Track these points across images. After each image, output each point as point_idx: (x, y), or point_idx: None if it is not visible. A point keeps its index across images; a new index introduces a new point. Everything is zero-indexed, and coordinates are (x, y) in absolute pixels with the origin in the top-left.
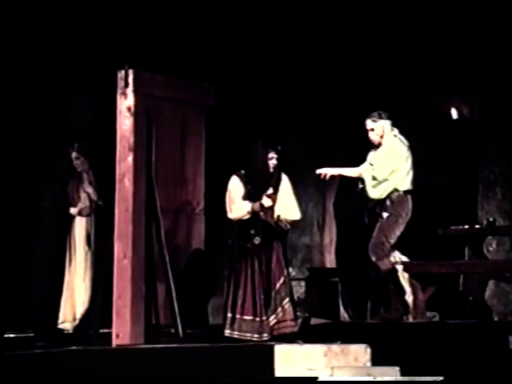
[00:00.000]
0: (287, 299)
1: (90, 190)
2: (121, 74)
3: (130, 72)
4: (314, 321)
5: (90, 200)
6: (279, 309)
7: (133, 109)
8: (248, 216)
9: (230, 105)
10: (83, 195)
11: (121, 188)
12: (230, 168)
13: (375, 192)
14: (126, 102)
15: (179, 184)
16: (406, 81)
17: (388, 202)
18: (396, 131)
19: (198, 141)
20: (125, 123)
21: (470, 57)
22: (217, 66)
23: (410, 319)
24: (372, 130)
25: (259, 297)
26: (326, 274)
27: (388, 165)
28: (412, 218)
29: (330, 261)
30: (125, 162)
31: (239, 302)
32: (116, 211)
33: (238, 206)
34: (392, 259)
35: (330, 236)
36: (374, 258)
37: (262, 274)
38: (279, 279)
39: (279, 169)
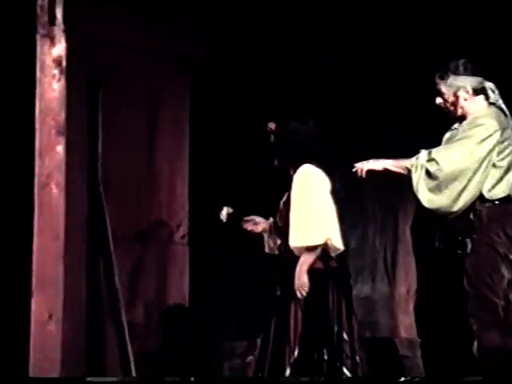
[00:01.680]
0: None
1: None
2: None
3: None
4: None
5: None
6: None
7: (64, 63)
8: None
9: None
10: None
11: (43, 200)
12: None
13: (439, 199)
14: (51, 52)
15: (146, 194)
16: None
17: (473, 219)
18: (494, 96)
19: (177, 121)
20: (51, 88)
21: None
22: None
23: None
24: (440, 93)
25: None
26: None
27: (461, 155)
28: None
29: (408, 326)
30: (50, 154)
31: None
32: (34, 241)
33: None
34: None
35: (408, 283)
36: (474, 327)
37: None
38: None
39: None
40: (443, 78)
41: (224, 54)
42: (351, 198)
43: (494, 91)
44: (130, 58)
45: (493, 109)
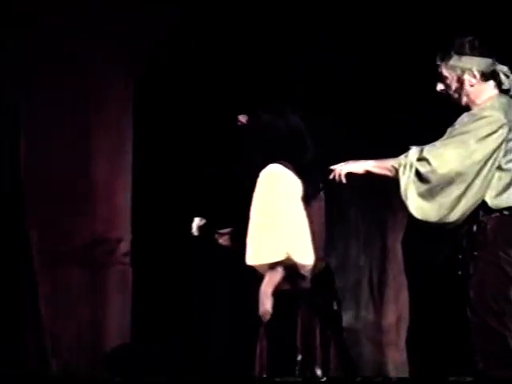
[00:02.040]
0: None
1: None
2: None
3: None
4: None
5: None
6: None
7: None
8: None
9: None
10: None
11: None
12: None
13: (431, 207)
14: None
15: (82, 204)
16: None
17: (476, 233)
18: (508, 82)
19: (118, 121)
20: None
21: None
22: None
23: None
24: (442, 78)
25: None
26: None
27: (458, 154)
28: None
29: (399, 364)
30: None
31: None
32: None
33: None
34: None
35: (398, 311)
36: (480, 364)
37: None
38: None
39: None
40: (445, 58)
41: (174, 46)
42: (331, 207)
43: (508, 76)
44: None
45: (503, 99)
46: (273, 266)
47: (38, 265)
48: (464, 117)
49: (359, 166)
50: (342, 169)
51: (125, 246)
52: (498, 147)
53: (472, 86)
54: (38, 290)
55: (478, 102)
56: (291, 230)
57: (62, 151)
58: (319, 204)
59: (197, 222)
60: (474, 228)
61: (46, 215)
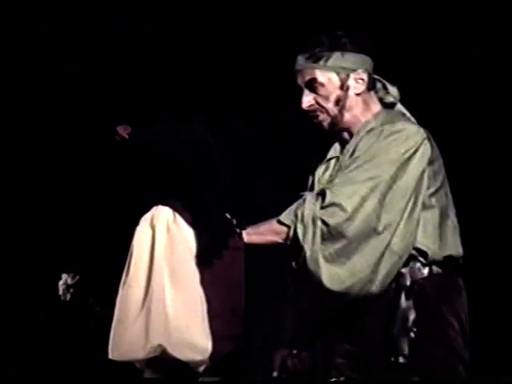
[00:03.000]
0: None
1: None
2: None
3: None
4: None
5: None
6: None
7: None
8: None
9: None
10: None
11: None
12: None
13: (348, 273)
14: None
15: None
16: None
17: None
18: (393, 93)
19: None
20: None
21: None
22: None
23: None
24: (315, 86)
25: None
26: None
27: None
28: None
29: None
30: None
31: None
32: None
33: None
34: None
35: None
36: None
37: None
38: None
39: None
40: (321, 57)
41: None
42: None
43: (386, 87)
44: None
45: (394, 114)
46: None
47: None
48: (362, 137)
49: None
50: None
51: None
52: (423, 172)
53: (358, 94)
54: None
55: (363, 120)
56: (172, 309)
57: None
58: (234, 255)
59: (64, 279)
60: (403, 297)
61: None
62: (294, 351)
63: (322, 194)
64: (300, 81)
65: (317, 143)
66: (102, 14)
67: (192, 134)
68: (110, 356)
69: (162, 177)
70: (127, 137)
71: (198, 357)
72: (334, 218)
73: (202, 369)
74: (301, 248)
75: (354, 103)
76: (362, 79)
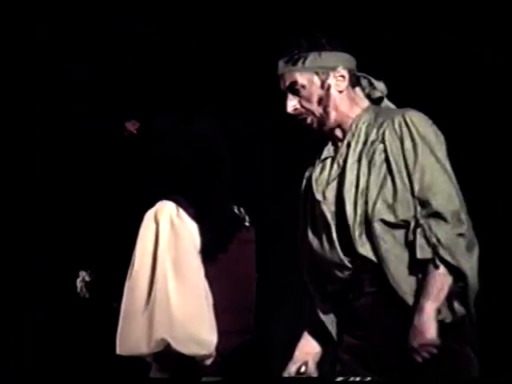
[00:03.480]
0: None
1: None
2: None
3: None
4: None
5: None
6: None
7: None
8: None
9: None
10: None
11: None
12: None
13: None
14: None
15: None
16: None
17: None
18: (380, 88)
19: None
20: None
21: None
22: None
23: None
24: (295, 90)
25: None
26: None
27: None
28: None
29: None
30: None
31: None
32: None
33: None
34: None
35: None
36: None
37: None
38: None
39: None
40: (297, 61)
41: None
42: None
43: (371, 83)
44: None
45: (385, 107)
46: (156, 357)
47: None
48: (360, 129)
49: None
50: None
51: None
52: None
53: (341, 91)
54: None
55: (353, 115)
56: (176, 303)
57: None
58: (242, 249)
59: (82, 276)
60: None
61: None
62: (302, 369)
63: (420, 198)
64: (282, 85)
65: (318, 142)
66: (101, 13)
67: (194, 132)
68: (118, 351)
69: (166, 171)
70: (135, 132)
71: (202, 351)
72: (460, 225)
73: (208, 362)
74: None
75: (339, 101)
76: (342, 76)
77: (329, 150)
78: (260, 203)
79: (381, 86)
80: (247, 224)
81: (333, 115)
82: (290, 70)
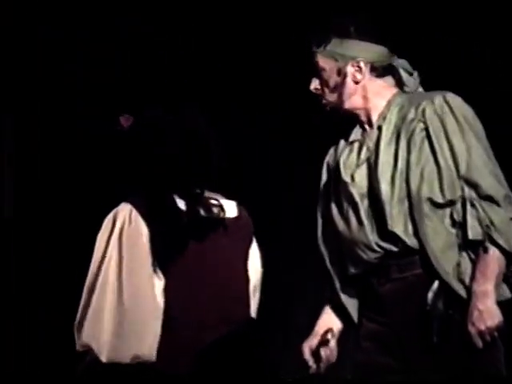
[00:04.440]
0: None
1: None
2: None
3: None
4: None
5: None
6: None
7: None
8: None
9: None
10: None
11: None
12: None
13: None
14: None
15: None
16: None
17: None
18: (413, 82)
19: None
20: None
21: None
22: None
23: None
24: (318, 71)
25: None
26: None
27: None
28: None
29: None
30: None
31: None
32: None
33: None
34: None
35: None
36: None
37: None
38: None
39: None
40: (321, 44)
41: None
42: None
43: (410, 73)
44: None
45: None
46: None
47: None
48: (393, 114)
49: (496, 314)
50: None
51: None
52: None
53: (357, 82)
54: None
55: (370, 105)
56: (112, 310)
57: None
58: (220, 240)
59: None
60: None
61: None
62: (328, 336)
63: (468, 181)
64: (314, 64)
65: (318, 142)
66: (101, 13)
67: (185, 121)
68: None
69: (145, 164)
70: (126, 127)
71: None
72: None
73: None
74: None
75: (354, 91)
76: (359, 67)
77: (356, 134)
78: (260, 203)
79: (410, 81)
80: (231, 215)
81: (346, 104)
82: (314, 51)
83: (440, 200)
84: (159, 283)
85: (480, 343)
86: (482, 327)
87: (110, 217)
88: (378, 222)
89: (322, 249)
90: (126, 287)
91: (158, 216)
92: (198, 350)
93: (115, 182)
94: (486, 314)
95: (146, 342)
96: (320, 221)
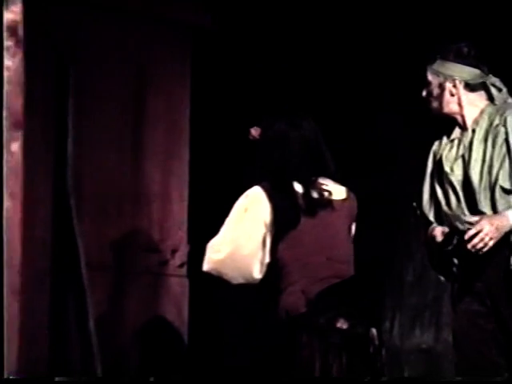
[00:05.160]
0: None
1: None
2: None
3: None
4: None
5: None
6: None
7: (21, 32)
8: None
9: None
10: None
11: None
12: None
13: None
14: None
15: (131, 208)
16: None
17: None
18: (501, 96)
19: (174, 111)
20: (4, 66)
21: None
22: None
23: None
24: (427, 83)
25: None
26: None
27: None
28: None
29: None
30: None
31: None
32: None
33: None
34: None
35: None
36: None
37: None
38: None
39: None
40: (430, 62)
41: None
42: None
43: (500, 89)
44: (111, 25)
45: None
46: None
47: (86, 276)
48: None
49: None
50: (488, 240)
51: (181, 257)
52: None
53: (453, 95)
54: (86, 298)
55: (465, 112)
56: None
57: (112, 150)
58: (328, 216)
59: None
60: None
61: (97, 222)
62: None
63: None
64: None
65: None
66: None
67: (303, 130)
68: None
69: (270, 164)
70: (258, 137)
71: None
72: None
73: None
74: None
75: (449, 100)
76: (455, 85)
77: (456, 133)
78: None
79: (498, 97)
80: (340, 197)
81: (445, 109)
82: (427, 68)
83: (508, 187)
84: (268, 245)
85: None
86: None
87: (245, 194)
88: (470, 202)
89: (430, 217)
90: (242, 233)
91: (279, 196)
92: (310, 298)
93: (251, 173)
94: None
95: (252, 269)
96: (426, 195)
